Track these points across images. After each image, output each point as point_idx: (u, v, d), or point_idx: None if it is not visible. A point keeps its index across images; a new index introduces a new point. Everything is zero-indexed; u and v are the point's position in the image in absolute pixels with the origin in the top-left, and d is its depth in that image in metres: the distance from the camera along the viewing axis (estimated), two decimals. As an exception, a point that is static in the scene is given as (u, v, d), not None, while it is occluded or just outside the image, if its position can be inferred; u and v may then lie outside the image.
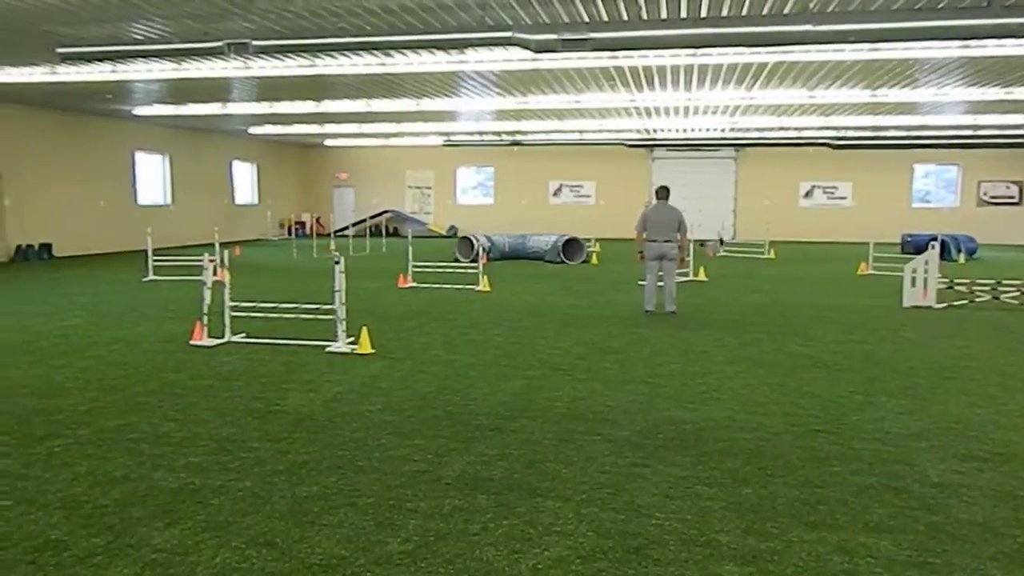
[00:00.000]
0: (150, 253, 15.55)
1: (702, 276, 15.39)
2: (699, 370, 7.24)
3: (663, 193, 10.65)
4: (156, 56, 10.07)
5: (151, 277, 14.96)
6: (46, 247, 20.01)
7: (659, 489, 4.26)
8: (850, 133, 23.79)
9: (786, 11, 9.03)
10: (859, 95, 15.82)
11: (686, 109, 18.97)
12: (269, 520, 3.83)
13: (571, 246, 19.42)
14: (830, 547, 3.57)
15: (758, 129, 23.76)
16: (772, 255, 21.50)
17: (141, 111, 20.23)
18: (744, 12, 9.13)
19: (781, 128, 23.24)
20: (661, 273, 10.64)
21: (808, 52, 11.40)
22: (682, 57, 12.00)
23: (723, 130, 24.18)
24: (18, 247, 19.29)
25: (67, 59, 10.32)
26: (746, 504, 4.06)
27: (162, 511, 3.93)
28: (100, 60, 10.44)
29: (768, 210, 28.87)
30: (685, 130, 24.24)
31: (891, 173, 28.67)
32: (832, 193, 29.64)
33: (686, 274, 14.88)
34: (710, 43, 8.06)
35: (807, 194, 29.82)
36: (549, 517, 3.88)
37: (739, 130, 24.14)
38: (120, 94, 17.33)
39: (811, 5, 8.75)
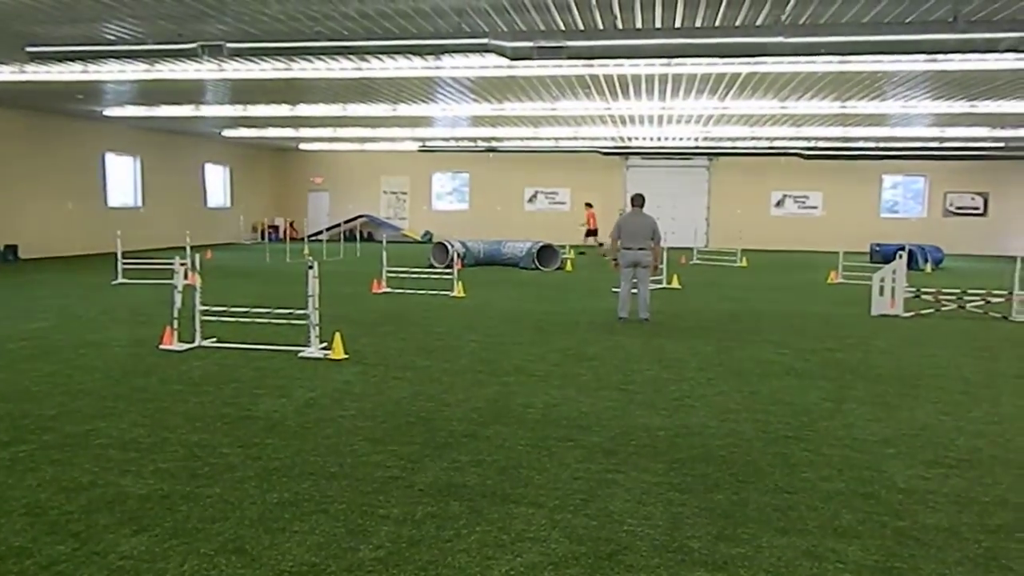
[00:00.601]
0: (120, 256, 15.32)
1: (675, 284, 15.51)
2: (673, 377, 7.30)
3: (638, 200, 10.73)
4: (128, 57, 9.96)
5: (120, 280, 14.74)
6: (11, 248, 19.62)
7: (632, 495, 4.28)
8: (821, 144, 24.16)
9: (759, 23, 9.16)
10: (829, 106, 16.09)
11: (660, 118, 19.14)
12: (239, 527, 3.79)
13: (546, 253, 19.47)
14: (799, 552, 3.61)
15: (731, 139, 24.07)
16: (744, 263, 21.73)
17: (112, 112, 19.94)
18: (717, 23, 9.25)
19: (753, 138, 23.56)
20: (635, 280, 10.71)
21: (780, 63, 11.60)
22: (656, 66, 12.12)
23: (696, 139, 24.44)
24: (-18, 249, 18.90)
25: (37, 58, 10.17)
26: (718, 510, 4.09)
27: (129, 518, 3.87)
28: (71, 60, 10.31)
29: (740, 218, 29.20)
30: (659, 139, 24.47)
31: (860, 183, 29.16)
32: (803, 202, 30.05)
33: (659, 281, 14.98)
34: (684, 53, 8.15)
35: (779, 203, 30.21)
36: (522, 523, 3.88)
37: (712, 139, 24.42)
38: (91, 94, 17.07)
39: (783, 18, 8.89)
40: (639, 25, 9.44)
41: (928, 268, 20.56)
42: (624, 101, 16.20)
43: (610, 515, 4.00)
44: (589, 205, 25.53)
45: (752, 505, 4.17)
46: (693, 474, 4.63)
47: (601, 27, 9.51)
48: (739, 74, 12.91)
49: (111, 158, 23.55)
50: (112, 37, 10.49)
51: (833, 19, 8.91)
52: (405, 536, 3.72)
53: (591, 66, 12.21)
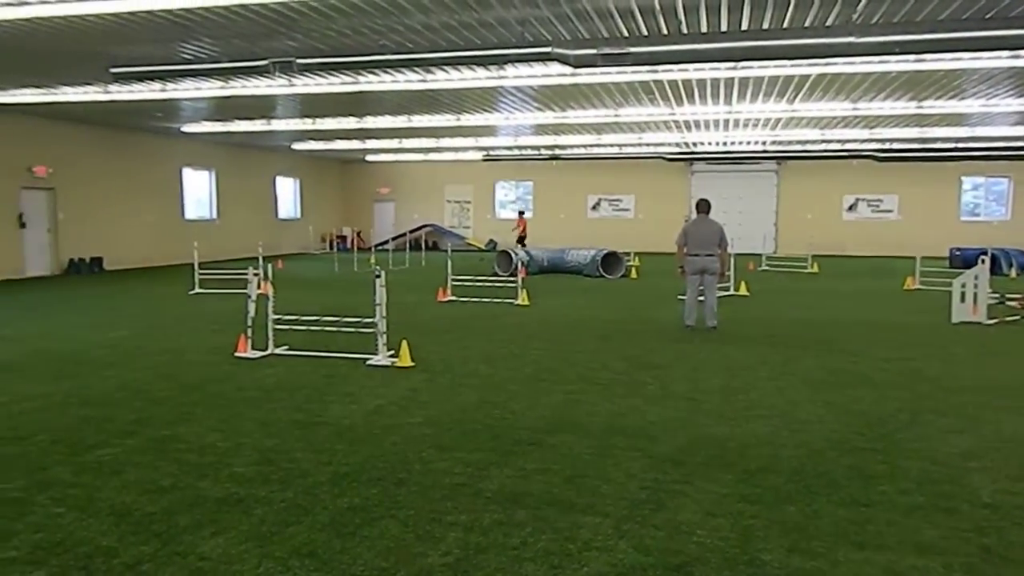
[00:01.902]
0: (196, 267, 15.91)
1: (743, 291, 15.20)
2: (741, 386, 7.15)
3: (704, 207, 10.58)
4: (204, 75, 10.34)
5: (197, 290, 15.29)
6: (97, 260, 20.60)
7: (700, 506, 4.21)
8: (895, 145, 23.35)
9: (829, 23, 8.94)
10: (905, 107, 15.55)
11: (726, 122, 18.84)
12: (311, 531, 3.88)
13: (610, 260, 19.35)
14: (878, 568, 3.49)
15: (800, 142, 23.48)
16: (815, 269, 21.16)
17: (189, 128, 20.78)
18: (786, 25, 9.06)
19: (824, 141, 22.94)
20: (702, 288, 10.55)
21: (852, 64, 11.27)
22: (722, 70, 11.95)
23: (764, 143, 23.95)
24: (70, 260, 19.88)
25: (119, 78, 10.68)
26: (790, 522, 3.99)
27: (208, 520, 4.00)
28: (151, 79, 10.77)
29: (811, 224, 28.46)
30: (725, 143, 24.07)
31: (938, 186, 28.05)
32: (877, 206, 29.08)
33: (727, 289, 14.72)
34: (751, 56, 8.01)
35: (851, 207, 29.30)
36: (588, 533, 3.86)
37: (781, 143, 23.88)
38: (169, 112, 17.82)
39: (854, 17, 8.65)
40: (704, 29, 9.32)
41: (1013, 273, 19.63)
42: (689, 106, 16.01)
43: (678, 526, 3.94)
44: (521, 213, 26.33)
45: (826, 518, 4.05)
46: (764, 485, 4.53)
47: (666, 32, 9.43)
48: (809, 76, 12.61)
49: (188, 172, 24.50)
50: (189, 56, 10.93)
51: (907, 17, 8.62)
52: (473, 543, 3.74)
53: (655, 72, 12.11)
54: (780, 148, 25.03)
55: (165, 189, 23.47)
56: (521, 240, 25.09)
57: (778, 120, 18.35)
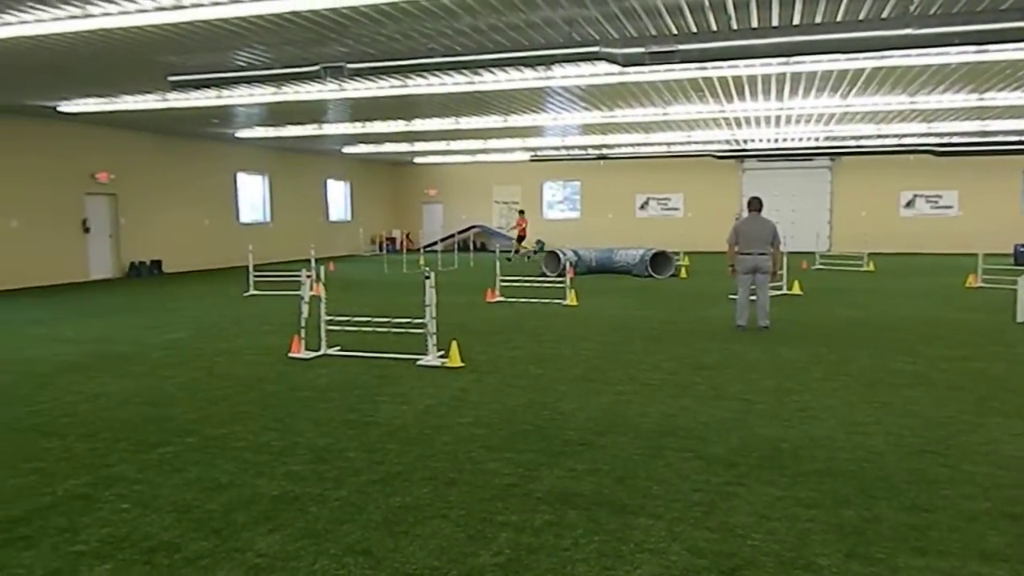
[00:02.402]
0: (251, 269, 16.29)
1: (796, 290, 14.91)
2: (795, 387, 7.01)
3: (756, 204, 10.41)
4: (258, 81, 10.58)
5: (251, 292, 15.64)
6: (156, 263, 21.23)
7: (754, 509, 4.14)
8: (955, 139, 22.62)
9: (885, 15, 8.71)
10: (965, 99, 15.05)
11: (778, 118, 18.50)
12: (365, 529, 3.93)
13: (659, 260, 19.17)
14: (940, 575, 3.39)
15: (855, 137, 22.92)
16: (871, 267, 20.63)
17: (243, 134, 21.28)
18: (840, 18, 8.86)
19: (880, 136, 22.34)
20: (753, 287, 10.38)
21: (909, 56, 10.95)
22: (774, 66, 11.74)
23: (818, 139, 23.44)
24: (131, 263, 20.53)
25: (177, 86, 10.97)
26: (848, 527, 3.90)
27: (265, 517, 4.09)
28: (207, 87, 11.04)
29: (866, 221, 27.76)
30: (777, 140, 23.63)
31: (1001, 180, 27.05)
32: (936, 202, 28.19)
33: (779, 288, 14.46)
34: (804, 51, 7.84)
35: (909, 203, 28.47)
36: (641, 534, 3.84)
37: (835, 139, 23.34)
38: (224, 118, 18.27)
39: (911, 8, 8.41)
40: (755, 24, 9.18)
41: (1083, 270, 18.83)
42: (740, 103, 15.77)
43: (732, 529, 3.89)
44: (522, 212, 26.30)
45: (885, 523, 3.95)
46: (820, 489, 4.43)
47: (715, 29, 9.31)
48: (864, 69, 12.30)
49: (242, 177, 25.07)
50: (243, 63, 11.19)
51: (968, 6, 8.35)
52: (524, 543, 3.75)
53: (705, 69, 11.96)
54: (834, 144, 24.47)
55: (220, 194, 24.06)
56: (520, 239, 25.19)
57: (832, 115, 17.95)
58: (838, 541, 3.74)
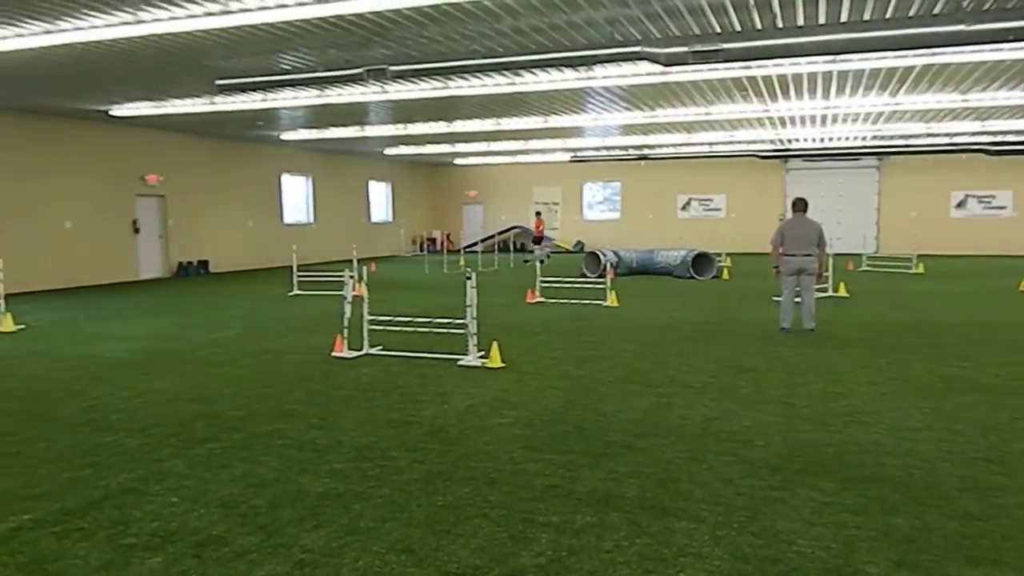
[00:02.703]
0: (295, 269, 16.55)
1: (843, 292, 14.63)
2: (841, 391, 6.88)
3: (801, 205, 10.24)
4: (302, 84, 10.74)
5: (295, 292, 15.88)
6: (203, 264, 21.69)
7: (800, 514, 4.08)
8: (1010, 138, 21.95)
9: (936, 11, 8.50)
10: (1020, 96, 14.60)
11: (824, 118, 18.17)
12: (407, 527, 3.97)
13: (701, 261, 18.98)
14: (995, 586, 3.29)
15: (904, 136, 22.39)
16: (920, 270, 20.14)
17: (287, 136, 21.63)
18: (889, 14, 8.68)
19: (930, 135, 21.80)
20: (798, 289, 10.21)
21: (961, 53, 10.66)
22: (820, 64, 11.54)
23: (865, 138, 22.97)
24: (179, 263, 21.00)
25: (224, 90, 11.20)
26: (897, 535, 3.81)
27: (309, 514, 4.15)
28: (253, 90, 11.25)
29: (916, 222, 27.12)
30: (823, 139, 23.22)
31: (1059, 180, 26.20)
32: (989, 203, 27.39)
33: (825, 290, 14.20)
34: (851, 49, 7.69)
35: (960, 204, 27.71)
36: (683, 538, 3.80)
37: (883, 138, 22.85)
38: (269, 121, 18.59)
39: (964, 3, 8.20)
40: (800, 22, 9.04)
41: None
42: (784, 102, 15.53)
43: (777, 534, 3.83)
44: (538, 214, 25.70)
45: (936, 531, 3.85)
46: (867, 495, 4.34)
47: (760, 27, 9.19)
48: (914, 67, 12.02)
49: (286, 178, 25.48)
50: (287, 67, 11.38)
51: (1022, 1, 8.09)
52: (565, 544, 3.74)
53: (749, 67, 11.81)
54: (882, 143, 23.95)
55: (265, 195, 24.48)
56: (537, 240, 24.78)
57: (880, 114, 17.57)
58: (887, 549, 3.66)
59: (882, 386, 7.07)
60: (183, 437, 5.62)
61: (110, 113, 16.43)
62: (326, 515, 4.13)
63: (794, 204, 10.32)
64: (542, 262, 22.78)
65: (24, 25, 8.94)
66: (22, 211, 16.84)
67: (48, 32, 9.17)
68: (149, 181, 19.99)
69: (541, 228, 25.11)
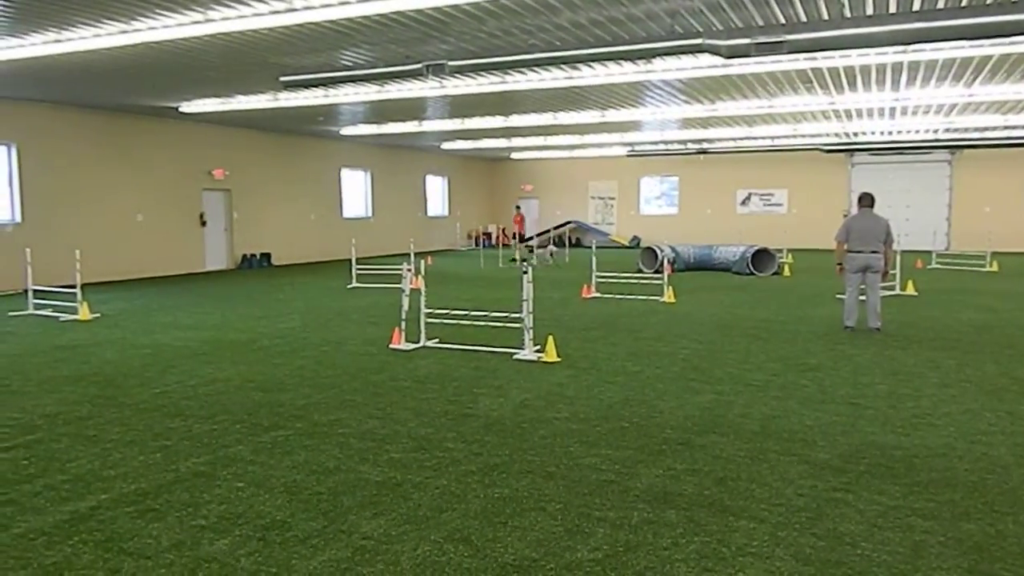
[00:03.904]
0: (354, 262, 16.83)
1: (910, 290, 14.17)
2: (909, 392, 6.67)
3: (867, 200, 9.94)
4: (363, 80, 10.89)
5: (354, 284, 16.15)
6: (266, 256, 22.22)
7: (865, 518, 3.98)
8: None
9: (1016, -3, 8.13)
10: (1106, 86, 13.90)
11: (892, 110, 17.59)
12: (464, 518, 4.01)
13: (761, 257, 18.61)
14: (1074, 598, 3.16)
15: (978, 129, 21.53)
16: (994, 268, 19.35)
17: (347, 131, 21.98)
18: (964, 2, 8.35)
19: (1007, 127, 20.90)
20: (863, 286, 9.93)
21: (1042, 41, 10.19)
22: (890, 54, 11.17)
23: (936, 131, 22.15)
24: (243, 256, 21.57)
25: (288, 86, 11.44)
26: (968, 541, 3.69)
27: (369, 501, 4.23)
28: (315, 86, 11.46)
29: (990, 218, 26.06)
30: (891, 132, 22.48)
31: None
32: (1070, 198, 26.16)
33: (891, 288, 13.78)
34: (924, 38, 7.42)
35: (1038, 199, 26.54)
36: (743, 537, 3.75)
37: (955, 130, 22.00)
38: (330, 116, 18.93)
39: (1047, -12, 7.82)
40: (870, 11, 8.76)
41: None
42: (851, 94, 15.08)
43: (840, 537, 3.75)
44: (518, 208, 24.57)
45: (1011, 539, 3.71)
46: (937, 500, 4.21)
47: (826, 17, 8.94)
48: (990, 56, 11.54)
49: (346, 173, 25.90)
50: (348, 63, 11.56)
51: (1113, -15, 7.68)
52: (622, 540, 3.73)
53: (814, 59, 11.51)
54: (954, 136, 23.06)
55: (325, 189, 24.94)
56: (520, 239, 23.30)
57: (953, 106, 16.92)
58: (958, 556, 3.54)
59: (953, 388, 6.83)
60: (248, 424, 5.78)
61: (180, 109, 16.96)
62: (385, 503, 4.20)
63: (860, 199, 10.04)
64: (525, 260, 21.39)
65: (101, 25, 9.29)
66: (97, 205, 17.53)
67: (123, 32, 9.51)
68: (215, 176, 20.57)
69: (521, 224, 23.58)
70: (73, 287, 11.92)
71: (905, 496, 4.27)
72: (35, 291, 12.47)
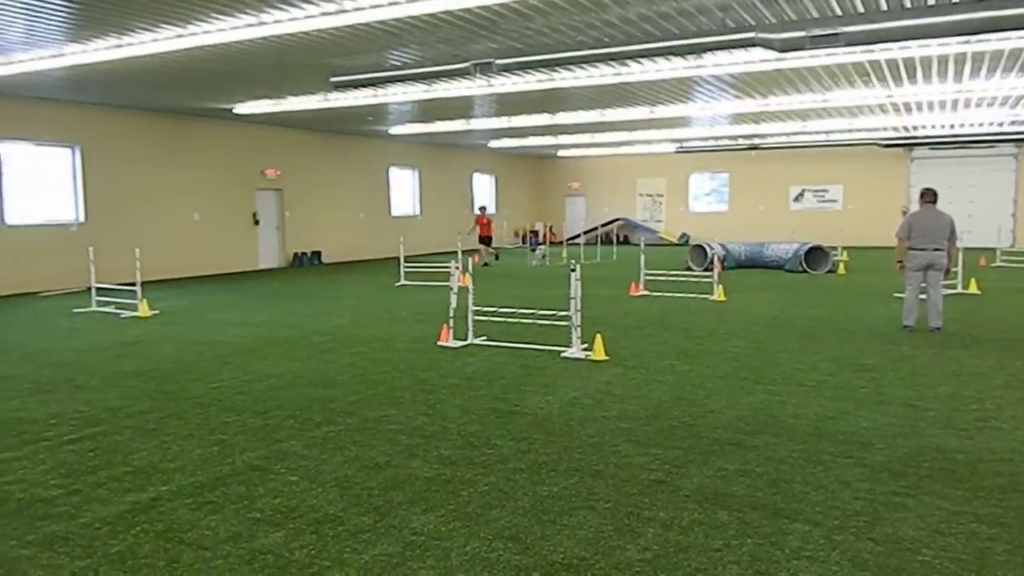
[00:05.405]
0: (402, 260, 16.99)
1: (973, 289, 13.70)
2: (973, 394, 6.46)
3: (929, 196, 9.63)
4: (411, 79, 10.99)
5: (403, 282, 16.30)
6: (316, 254, 22.59)
7: (925, 523, 3.86)
8: None
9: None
10: None
11: (955, 102, 17.03)
12: (513, 515, 4.01)
13: (815, 254, 18.20)
14: None
15: (1045, 121, 20.72)
16: (1062, 265, 18.61)
17: (396, 130, 22.20)
18: (1032, -12, 8.02)
19: (1075, 118, 20.08)
20: (923, 285, 9.63)
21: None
22: (952, 45, 10.82)
23: (1001, 124, 21.38)
24: (295, 254, 21.96)
25: (338, 87, 11.61)
26: (1036, 549, 3.55)
27: (419, 497, 4.26)
28: (365, 86, 11.60)
29: (1056, 213, 25.06)
30: (953, 126, 21.79)
31: None
32: None
33: (953, 286, 13.35)
34: (990, 28, 7.16)
35: (1109, 194, 25.41)
36: (797, 540, 3.67)
37: (1021, 123, 21.20)
38: (379, 116, 19.14)
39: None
40: (931, 1, 8.49)
41: None
42: (910, 86, 14.65)
43: (899, 542, 3.64)
44: (483, 209, 22.84)
45: (1083, 548, 3.56)
46: (1003, 505, 4.06)
47: (885, 7, 8.70)
48: (1058, 45, 11.09)
49: (394, 171, 26.17)
50: (397, 63, 11.66)
51: None
52: (672, 540, 3.69)
53: (871, 51, 11.21)
54: (1020, 129, 22.22)
55: (374, 188, 25.23)
56: (486, 241, 21.69)
57: (1019, 98, 16.31)
58: (1025, 564, 3.41)
59: (1019, 390, 6.58)
60: (301, 419, 5.88)
61: (234, 111, 17.35)
62: (435, 499, 4.23)
63: (922, 195, 9.73)
64: (487, 264, 20.92)
65: (158, 30, 9.55)
66: (156, 205, 18.04)
67: (179, 36, 9.76)
68: (268, 175, 20.98)
69: (484, 227, 21.78)
70: (133, 285, 12.29)
71: (968, 501, 4.13)
72: (98, 289, 12.89)
